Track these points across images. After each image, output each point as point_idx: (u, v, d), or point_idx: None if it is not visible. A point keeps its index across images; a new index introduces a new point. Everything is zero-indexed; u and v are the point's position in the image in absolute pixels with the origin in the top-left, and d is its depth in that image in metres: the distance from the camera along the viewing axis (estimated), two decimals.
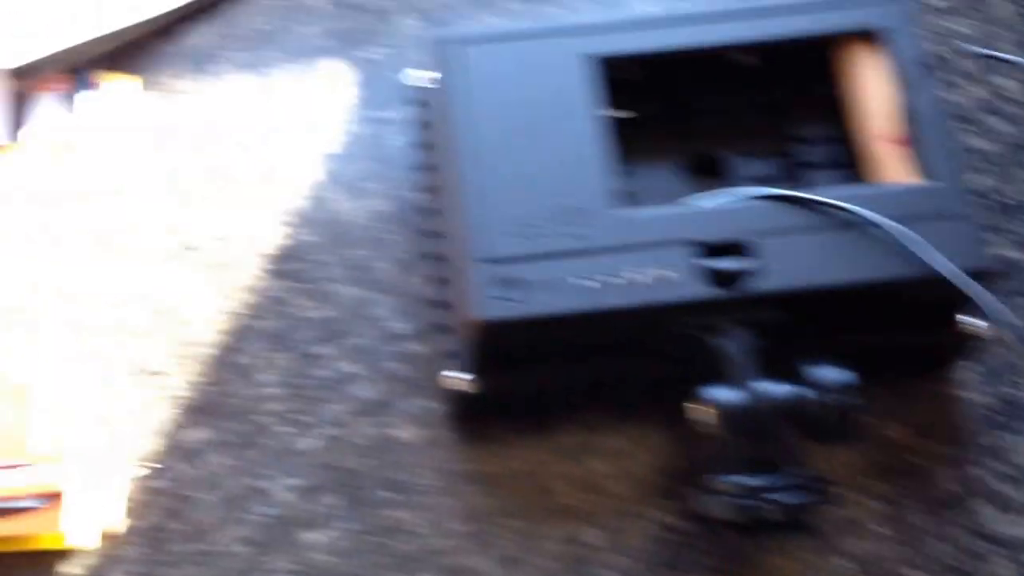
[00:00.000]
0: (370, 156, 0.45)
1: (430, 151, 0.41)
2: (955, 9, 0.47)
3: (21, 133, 0.43)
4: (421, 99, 0.42)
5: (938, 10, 0.47)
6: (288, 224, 0.43)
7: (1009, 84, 0.46)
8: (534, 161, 0.35)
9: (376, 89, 0.46)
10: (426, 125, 0.41)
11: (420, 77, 0.42)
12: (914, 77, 0.37)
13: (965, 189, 0.35)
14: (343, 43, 0.47)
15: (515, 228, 0.35)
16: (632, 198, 0.37)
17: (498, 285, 0.34)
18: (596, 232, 0.35)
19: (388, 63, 0.46)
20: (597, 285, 0.34)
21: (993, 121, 0.45)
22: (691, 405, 0.35)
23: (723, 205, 0.36)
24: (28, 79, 0.44)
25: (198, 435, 0.40)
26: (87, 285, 0.42)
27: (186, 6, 0.46)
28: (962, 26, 0.47)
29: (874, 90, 0.38)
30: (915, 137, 0.37)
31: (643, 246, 0.34)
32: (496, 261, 0.34)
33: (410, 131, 0.43)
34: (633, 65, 0.38)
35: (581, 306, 0.34)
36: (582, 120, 0.36)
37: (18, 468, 0.37)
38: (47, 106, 0.44)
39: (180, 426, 0.40)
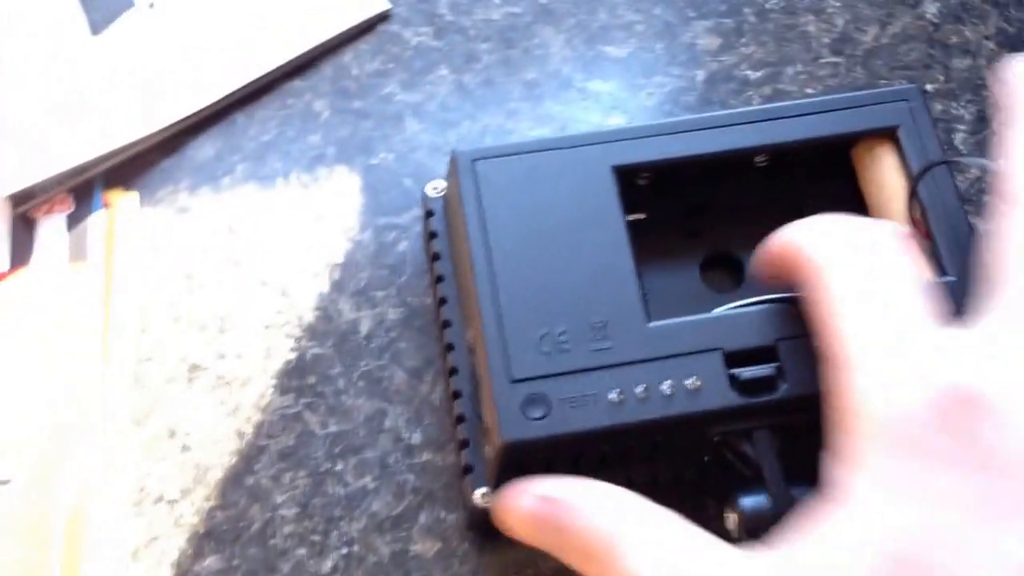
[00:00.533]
0: (376, 264, 0.44)
1: (441, 261, 0.40)
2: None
3: (25, 258, 0.43)
4: (432, 209, 0.41)
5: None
6: (296, 338, 0.43)
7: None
8: (557, 277, 0.35)
9: (380, 195, 0.45)
10: (437, 235, 0.41)
11: (433, 187, 0.41)
12: (928, 172, 0.37)
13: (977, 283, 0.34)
14: (345, 149, 0.46)
15: (538, 345, 0.34)
16: (648, 303, 0.36)
17: (522, 405, 0.33)
18: (623, 345, 0.34)
19: (392, 168, 0.46)
20: (624, 398, 0.33)
21: None
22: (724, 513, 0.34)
23: (748, 310, 0.35)
24: (27, 202, 0.44)
25: (211, 564, 0.39)
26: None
27: (185, 119, 0.46)
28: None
29: (890, 185, 0.37)
30: (930, 231, 0.36)
31: (670, 357, 0.34)
32: (519, 381, 0.33)
33: (419, 239, 0.43)
34: (647, 170, 0.38)
35: (609, 421, 0.33)
36: (604, 230, 0.36)
37: None
38: (48, 229, 0.44)
39: (191, 555, 0.39)
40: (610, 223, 0.36)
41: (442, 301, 0.40)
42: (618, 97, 0.47)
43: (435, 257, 0.41)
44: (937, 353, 0.28)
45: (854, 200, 0.39)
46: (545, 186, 0.37)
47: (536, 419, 0.33)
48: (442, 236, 0.40)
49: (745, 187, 0.40)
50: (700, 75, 0.48)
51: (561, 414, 0.33)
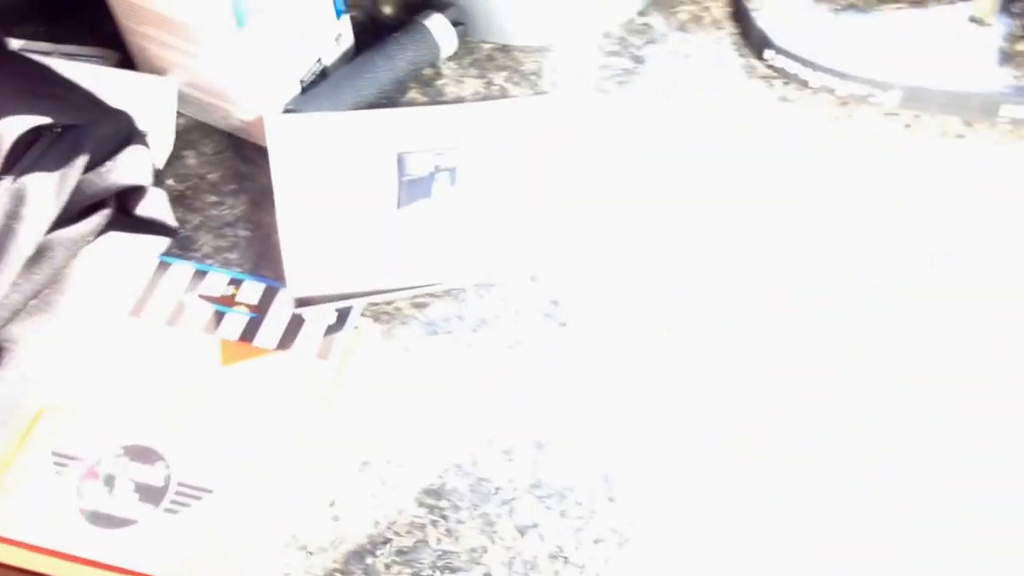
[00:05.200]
0: (528, 435, 0.55)
1: None
2: None
3: (288, 344, 0.58)
4: None
5: None
6: (445, 468, 0.54)
7: None
8: None
9: (557, 385, 0.57)
10: None
11: None
12: None
13: None
14: (537, 342, 0.59)
15: None
16: None
17: None
18: None
19: (571, 368, 0.57)
20: None
21: None
22: None
23: None
24: (305, 306, 0.60)
25: None
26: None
27: (432, 286, 0.60)
28: None
29: None
30: None
31: None
32: None
33: None
34: None
35: None
36: None
37: None
38: (311, 328, 0.59)
39: None
40: None
41: None
42: None
43: None
44: None
45: None
46: None
47: None
48: None
49: None
50: None
51: None
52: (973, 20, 0.72)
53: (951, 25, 0.72)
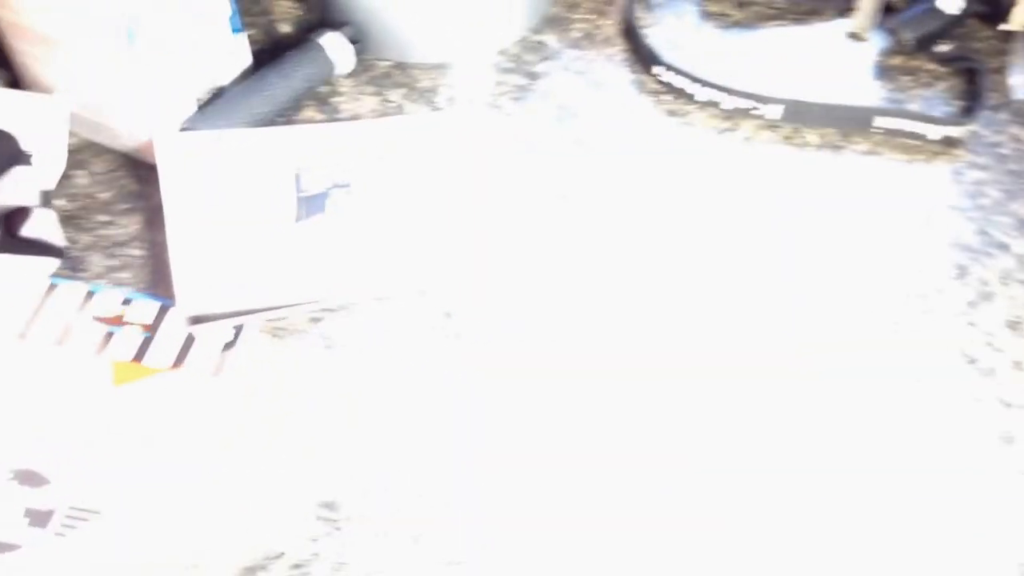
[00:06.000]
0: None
1: None
2: None
3: (183, 361, 0.58)
4: None
5: None
6: (343, 479, 0.55)
7: None
8: None
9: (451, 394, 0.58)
10: None
11: None
12: None
13: None
14: (432, 355, 0.59)
15: None
16: None
17: None
18: None
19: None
20: None
21: None
22: None
23: None
24: (199, 323, 0.59)
25: None
26: None
27: (330, 299, 0.61)
28: None
29: None
30: None
31: None
32: None
33: None
34: None
35: None
36: None
37: None
38: (205, 346, 0.59)
39: None
40: None
41: None
42: None
43: None
44: None
45: None
46: None
47: None
48: None
49: None
50: None
51: None
52: (851, 36, 0.75)
53: (831, 41, 0.75)
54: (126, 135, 0.66)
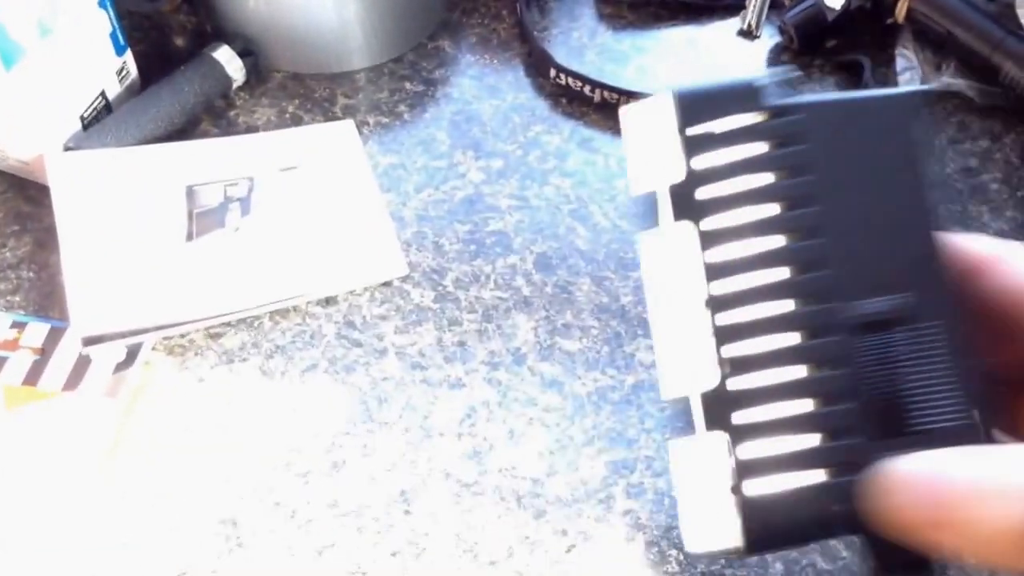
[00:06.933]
0: (324, 459, 0.56)
1: None
2: None
3: (75, 384, 0.57)
4: None
5: None
6: (241, 497, 0.54)
7: None
8: None
9: (350, 408, 0.57)
10: None
11: None
12: None
13: None
14: (334, 366, 0.59)
15: None
16: None
17: None
18: None
19: (363, 389, 0.58)
20: None
21: None
22: None
23: None
24: (94, 344, 0.58)
25: None
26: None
27: (230, 314, 0.60)
28: None
29: None
30: None
31: None
32: None
33: None
34: None
35: None
36: None
37: None
38: (99, 368, 0.58)
39: None
40: None
41: None
42: (558, 380, 0.59)
43: None
44: None
45: None
46: None
47: None
48: None
49: None
50: (629, 380, 0.59)
51: None
52: (742, 34, 0.76)
53: (723, 39, 0.76)
54: (12, 156, 0.65)
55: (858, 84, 0.73)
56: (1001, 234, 0.66)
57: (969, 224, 0.66)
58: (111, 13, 0.67)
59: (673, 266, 0.28)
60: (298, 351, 0.60)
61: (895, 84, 0.74)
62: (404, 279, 0.63)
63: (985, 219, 0.67)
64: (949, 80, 0.74)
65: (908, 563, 0.23)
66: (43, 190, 0.64)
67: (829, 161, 0.28)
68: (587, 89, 0.71)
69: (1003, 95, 0.73)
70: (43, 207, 0.64)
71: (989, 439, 0.24)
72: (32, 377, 0.57)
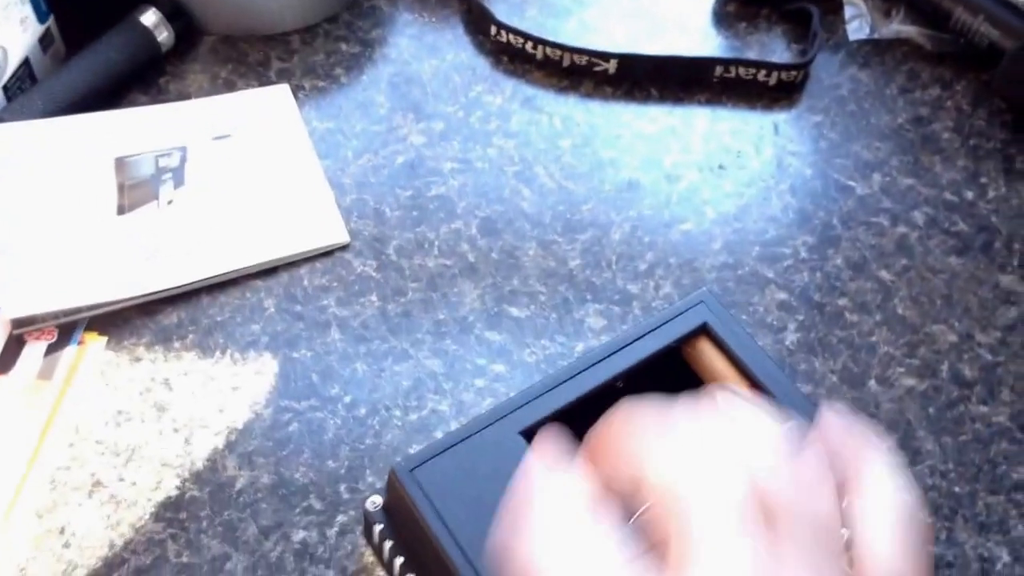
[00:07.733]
0: (267, 436, 0.54)
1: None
2: None
3: (7, 368, 0.55)
4: (374, 519, 0.47)
5: None
6: (183, 479, 0.53)
7: None
8: None
9: (289, 383, 0.56)
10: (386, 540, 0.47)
11: (372, 502, 0.48)
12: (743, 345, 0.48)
13: None
14: (275, 340, 0.57)
15: None
16: None
17: None
18: None
19: (306, 363, 0.57)
20: None
21: None
22: None
23: None
24: (24, 327, 0.56)
25: None
26: None
27: (165, 291, 0.58)
28: None
29: (719, 368, 0.49)
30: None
31: None
32: None
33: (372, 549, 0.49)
34: (545, 422, 0.46)
35: None
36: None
37: None
38: (32, 350, 0.56)
39: None
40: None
41: None
42: (506, 349, 0.57)
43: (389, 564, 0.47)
44: None
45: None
46: (479, 468, 0.44)
47: None
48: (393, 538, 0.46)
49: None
50: (579, 347, 0.58)
51: None
52: None
53: None
54: None
55: (807, 32, 0.72)
56: (954, 184, 0.65)
57: (922, 175, 0.66)
58: None
59: None
60: (238, 326, 0.58)
61: (844, 32, 0.72)
62: (345, 248, 0.61)
63: (937, 169, 0.66)
64: (899, 27, 0.73)
65: None
66: None
67: None
68: (529, 46, 0.69)
69: (953, 41, 0.72)
70: None
71: None
72: None
